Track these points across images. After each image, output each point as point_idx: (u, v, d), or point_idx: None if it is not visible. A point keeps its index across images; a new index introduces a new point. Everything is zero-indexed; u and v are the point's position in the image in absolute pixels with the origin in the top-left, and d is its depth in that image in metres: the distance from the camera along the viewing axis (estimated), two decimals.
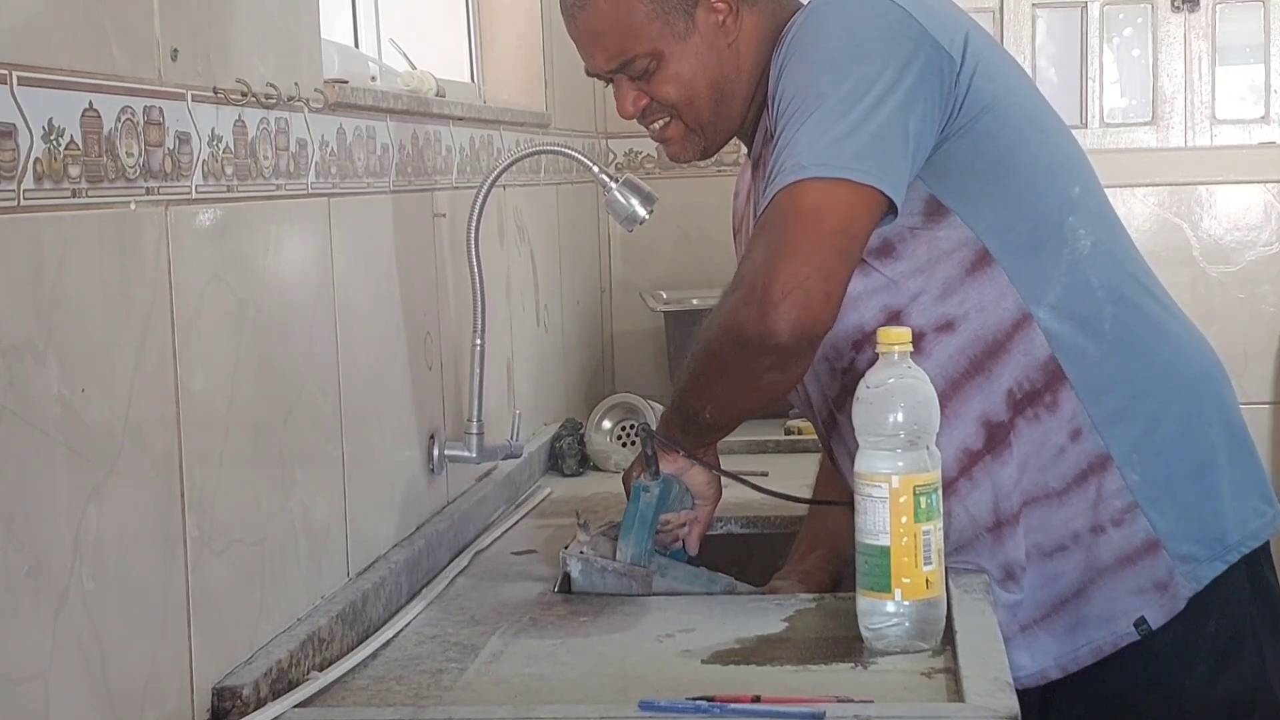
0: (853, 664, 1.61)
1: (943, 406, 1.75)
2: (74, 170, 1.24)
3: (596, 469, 2.74)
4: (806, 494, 2.10)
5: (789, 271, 1.64)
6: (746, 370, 1.73)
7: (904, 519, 1.59)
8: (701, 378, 1.79)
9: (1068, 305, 1.80)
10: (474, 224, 2.14)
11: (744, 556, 2.30)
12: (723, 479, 1.96)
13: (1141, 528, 1.81)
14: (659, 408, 2.81)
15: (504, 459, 2.33)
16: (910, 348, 1.63)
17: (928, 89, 1.75)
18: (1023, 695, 1.77)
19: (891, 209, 1.71)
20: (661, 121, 1.89)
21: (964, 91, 1.78)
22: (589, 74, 1.92)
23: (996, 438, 1.81)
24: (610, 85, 1.92)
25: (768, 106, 1.82)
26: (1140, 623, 1.81)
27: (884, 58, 1.74)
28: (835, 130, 1.69)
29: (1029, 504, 1.82)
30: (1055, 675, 1.84)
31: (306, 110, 1.73)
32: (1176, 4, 3.67)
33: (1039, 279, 1.80)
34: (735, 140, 1.95)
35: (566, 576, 1.90)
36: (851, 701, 1.45)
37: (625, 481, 1.94)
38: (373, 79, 2.28)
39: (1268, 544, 1.88)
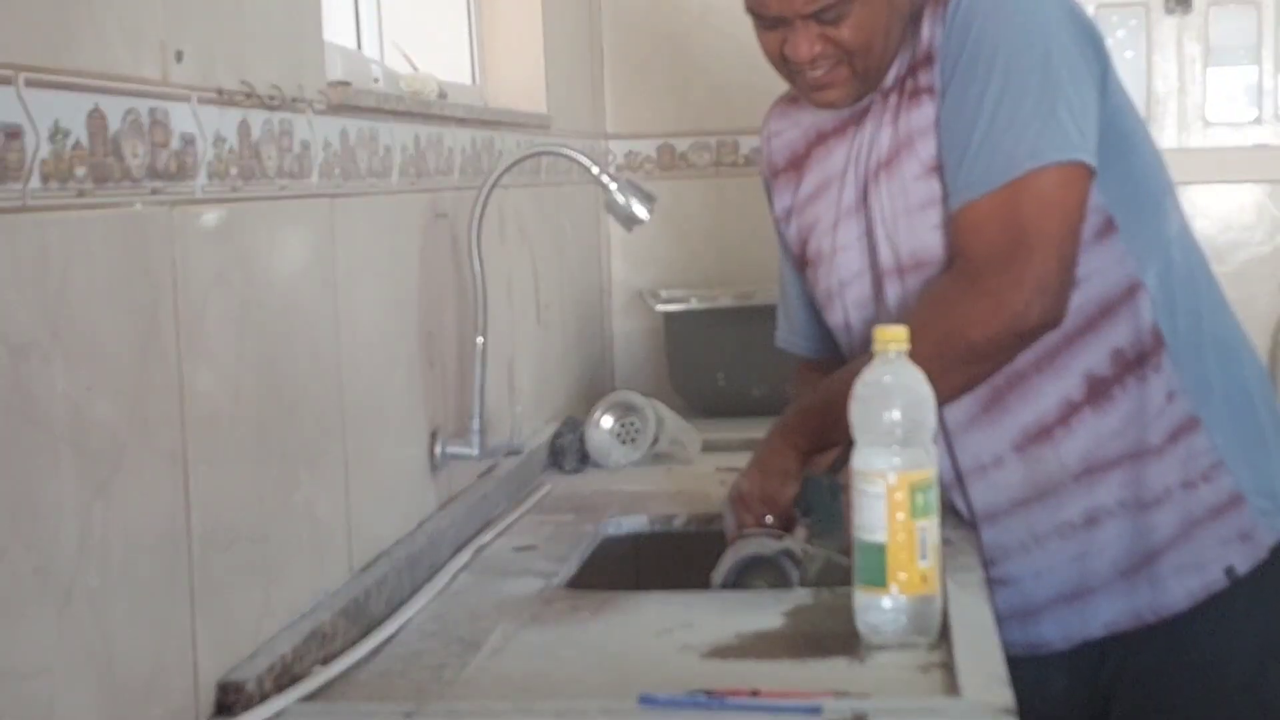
0: (850, 659, 1.61)
1: (1053, 358, 1.90)
2: (80, 171, 1.25)
3: (596, 466, 2.75)
4: None
5: (1037, 271, 1.78)
6: (993, 363, 1.84)
7: (900, 515, 1.61)
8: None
9: (1166, 278, 1.93)
10: (475, 224, 2.15)
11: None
12: None
13: (1228, 483, 1.93)
14: (659, 405, 2.83)
15: (505, 456, 2.34)
16: (906, 346, 1.64)
17: (1097, 58, 1.88)
18: (1081, 649, 1.96)
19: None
20: (827, 66, 1.90)
21: (1107, 65, 1.90)
22: (765, 14, 1.89)
23: (1098, 391, 1.92)
24: (771, 31, 1.90)
25: (918, 60, 1.91)
26: (1230, 570, 1.93)
27: (1065, 27, 1.85)
28: (1058, 110, 1.80)
29: (1131, 458, 1.92)
30: (1150, 619, 1.95)
31: (310, 112, 1.75)
32: (1170, 6, 3.67)
33: (1146, 251, 1.92)
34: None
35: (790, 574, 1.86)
36: (848, 696, 1.46)
37: (744, 500, 1.91)
38: (375, 81, 2.30)
39: None
